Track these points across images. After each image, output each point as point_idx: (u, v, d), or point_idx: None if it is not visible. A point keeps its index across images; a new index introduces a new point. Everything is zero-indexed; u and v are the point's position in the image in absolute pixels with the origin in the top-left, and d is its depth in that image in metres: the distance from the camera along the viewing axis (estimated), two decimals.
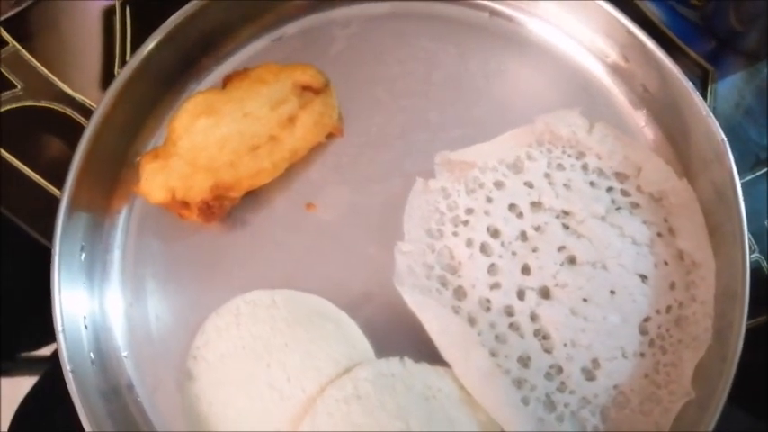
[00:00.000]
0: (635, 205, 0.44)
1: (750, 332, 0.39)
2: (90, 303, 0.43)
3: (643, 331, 0.42)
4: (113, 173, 0.45)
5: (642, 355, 0.42)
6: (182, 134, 0.41)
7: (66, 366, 0.39)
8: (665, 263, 0.43)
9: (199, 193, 0.41)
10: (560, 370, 0.41)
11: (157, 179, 0.41)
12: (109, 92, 0.43)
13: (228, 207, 0.43)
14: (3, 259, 0.73)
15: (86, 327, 0.42)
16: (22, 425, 0.74)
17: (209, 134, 0.41)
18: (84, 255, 0.43)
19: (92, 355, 0.41)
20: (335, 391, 0.39)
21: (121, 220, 0.45)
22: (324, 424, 0.38)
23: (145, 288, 0.44)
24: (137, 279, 0.44)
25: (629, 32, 0.45)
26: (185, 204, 0.42)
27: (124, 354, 0.43)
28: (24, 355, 0.91)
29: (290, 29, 0.49)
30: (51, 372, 0.77)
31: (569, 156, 0.45)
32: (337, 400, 0.39)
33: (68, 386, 0.38)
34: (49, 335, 0.87)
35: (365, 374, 0.39)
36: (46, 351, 0.93)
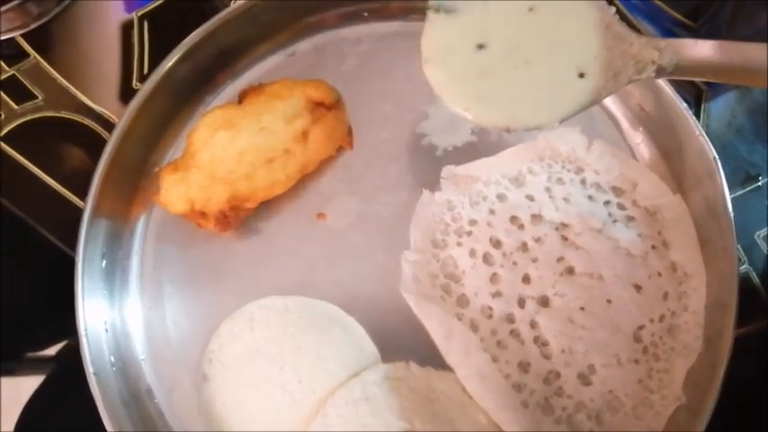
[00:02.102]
0: (630, 219, 0.46)
1: (740, 341, 0.41)
2: (110, 309, 0.45)
3: (637, 339, 0.44)
4: (133, 183, 0.47)
5: (636, 361, 0.44)
6: (200, 147, 0.43)
7: (90, 369, 0.41)
8: (659, 274, 0.45)
9: (216, 203, 0.43)
10: (558, 375, 0.43)
11: (177, 190, 0.43)
12: (130, 105, 0.45)
13: (244, 217, 0.45)
14: (13, 261, 0.75)
15: (107, 331, 0.44)
16: (29, 425, 0.75)
17: (227, 147, 0.43)
18: (105, 261, 0.45)
19: (112, 358, 0.43)
20: (345, 394, 0.41)
21: (140, 227, 0.47)
22: (334, 424, 0.40)
23: (162, 293, 0.46)
24: (155, 284, 0.46)
25: None
26: (203, 214, 0.44)
27: (142, 357, 0.45)
28: (29, 355, 0.93)
29: (304, 45, 0.51)
30: (58, 372, 0.79)
31: (569, 171, 0.47)
32: (346, 401, 0.41)
33: (91, 388, 0.40)
34: (54, 336, 0.89)
35: (373, 378, 0.42)
36: (50, 351, 0.95)
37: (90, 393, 0.73)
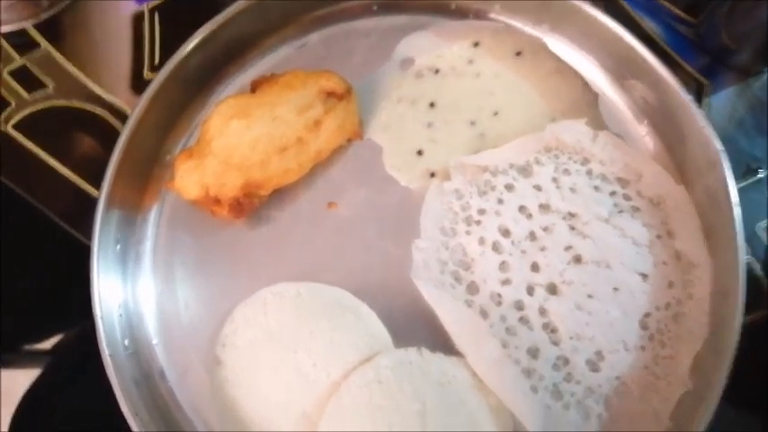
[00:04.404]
0: (636, 209, 0.47)
1: (744, 330, 0.42)
2: (123, 293, 0.45)
3: (643, 326, 0.45)
4: (146, 171, 0.48)
5: (642, 348, 0.45)
6: (215, 135, 0.44)
7: (105, 352, 0.41)
8: (664, 263, 0.46)
9: (231, 190, 0.44)
10: (567, 361, 0.44)
11: (192, 176, 0.44)
12: (144, 96, 0.45)
13: (257, 204, 0.46)
14: (21, 248, 0.74)
15: (121, 315, 0.44)
16: (26, 417, 0.75)
17: (241, 135, 0.44)
18: (119, 246, 0.45)
19: (126, 342, 0.44)
20: (358, 377, 0.41)
21: (153, 215, 0.48)
22: (347, 405, 0.41)
23: (175, 277, 0.46)
24: (167, 268, 0.46)
25: (631, 48, 0.48)
26: (217, 201, 0.44)
27: (155, 341, 0.45)
28: (27, 348, 0.92)
29: (314, 38, 0.52)
30: (55, 364, 0.78)
31: (575, 162, 0.48)
32: (360, 384, 0.41)
33: (107, 371, 0.41)
34: (54, 328, 0.88)
35: (386, 362, 0.42)
36: (46, 345, 0.94)
37: (88, 385, 0.74)
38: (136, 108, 0.45)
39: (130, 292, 0.46)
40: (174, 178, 0.44)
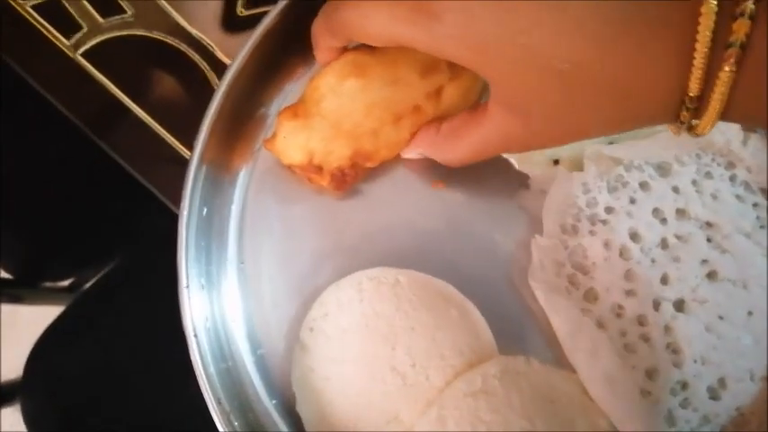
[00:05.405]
0: None
1: None
2: (206, 262, 0.41)
3: None
4: (237, 128, 0.42)
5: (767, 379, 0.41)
6: (326, 93, 0.38)
7: (190, 329, 0.37)
8: None
9: (337, 159, 0.39)
10: (686, 386, 0.40)
11: (297, 139, 0.38)
12: (248, 43, 0.39)
13: (361, 177, 0.41)
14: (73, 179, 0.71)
15: (203, 287, 0.40)
16: (42, 355, 0.73)
17: (356, 98, 0.38)
18: (205, 210, 0.40)
19: (206, 316, 0.40)
20: (464, 385, 0.37)
21: (241, 176, 0.42)
22: (450, 416, 0.37)
23: (260, 248, 0.42)
24: (253, 237, 0.42)
25: None
26: (319, 169, 0.39)
27: (232, 318, 0.41)
28: (46, 285, 0.90)
29: None
30: (77, 305, 0.76)
31: (719, 165, 0.42)
32: (465, 393, 0.37)
33: (191, 352, 0.37)
34: (77, 267, 0.86)
35: (494, 370, 0.38)
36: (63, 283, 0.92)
37: (112, 329, 0.72)
38: (238, 57, 0.39)
39: (215, 261, 0.41)
40: (276, 138, 0.39)
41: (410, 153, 0.41)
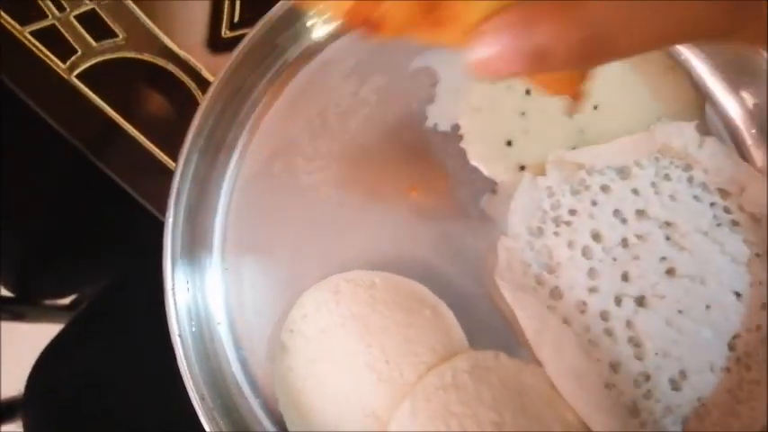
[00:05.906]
0: (735, 223, 0.44)
1: None
2: (191, 269, 0.43)
3: (731, 347, 0.43)
4: (222, 136, 0.45)
5: (728, 370, 0.42)
6: None
7: (175, 331, 0.39)
8: (760, 283, 0.43)
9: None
10: (648, 378, 0.42)
11: None
12: (226, 65, 0.42)
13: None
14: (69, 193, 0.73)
15: (188, 290, 0.42)
16: (45, 368, 0.75)
17: None
18: (189, 218, 0.43)
19: (192, 319, 0.42)
20: (435, 379, 0.40)
21: (225, 183, 0.45)
22: (422, 409, 0.39)
23: (243, 253, 0.44)
24: (235, 243, 0.44)
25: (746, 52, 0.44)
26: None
27: (218, 321, 0.43)
28: (47, 303, 0.92)
29: None
30: (76, 320, 0.78)
31: (677, 167, 0.45)
32: (437, 387, 0.39)
33: (176, 351, 0.39)
34: (75, 284, 0.88)
35: (464, 365, 0.40)
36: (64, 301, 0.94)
37: (109, 342, 0.73)
38: (218, 75, 0.42)
39: (197, 266, 0.43)
40: None
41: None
